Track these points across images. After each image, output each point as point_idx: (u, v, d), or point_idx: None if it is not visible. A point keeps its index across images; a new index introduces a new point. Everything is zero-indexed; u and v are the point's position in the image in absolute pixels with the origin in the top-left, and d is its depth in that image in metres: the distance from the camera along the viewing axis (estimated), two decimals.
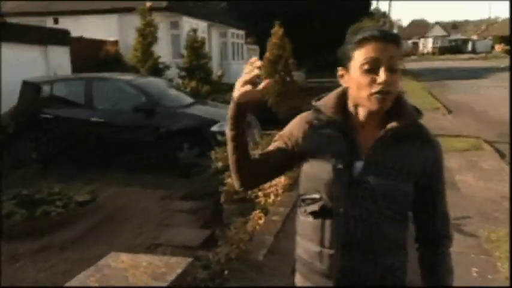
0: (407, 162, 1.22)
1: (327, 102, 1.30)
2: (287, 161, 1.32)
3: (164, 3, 13.42)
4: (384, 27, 44.96)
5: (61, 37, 9.43)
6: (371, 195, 1.20)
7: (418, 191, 1.25)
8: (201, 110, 6.62)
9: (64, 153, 6.23)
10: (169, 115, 6.21)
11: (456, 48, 67.43)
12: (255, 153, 1.33)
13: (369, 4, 32.08)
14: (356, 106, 1.26)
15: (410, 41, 74.59)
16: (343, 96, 1.30)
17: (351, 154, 1.22)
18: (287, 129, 1.35)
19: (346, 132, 1.24)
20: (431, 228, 1.31)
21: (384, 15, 45.63)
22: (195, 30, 11.13)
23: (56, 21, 14.53)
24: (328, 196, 1.23)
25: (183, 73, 10.60)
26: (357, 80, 1.19)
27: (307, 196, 1.28)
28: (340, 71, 1.27)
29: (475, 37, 71.40)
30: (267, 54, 10.18)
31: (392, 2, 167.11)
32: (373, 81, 1.16)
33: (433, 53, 66.18)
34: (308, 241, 1.29)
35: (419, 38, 72.80)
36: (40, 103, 6.59)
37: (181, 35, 14.39)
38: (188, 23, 14.73)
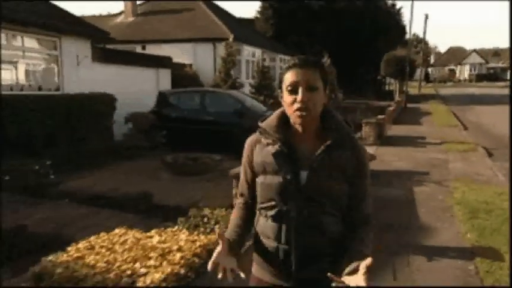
0: (342, 166, 1.46)
1: (270, 123, 1.52)
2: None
3: (231, 35, 16.88)
4: (419, 52, 46.31)
5: (167, 62, 12.97)
6: (316, 198, 1.44)
7: (350, 187, 1.48)
8: None
9: (184, 140, 9.35)
10: (253, 116, 9.24)
11: (494, 76, 67.08)
12: (245, 198, 1.62)
13: (404, 35, 34.86)
14: (294, 122, 1.48)
15: (447, 68, 75.21)
16: (284, 116, 1.52)
17: (296, 165, 1.45)
18: (244, 158, 1.60)
19: (289, 146, 1.46)
20: (361, 213, 1.52)
21: (421, 42, 47.93)
22: (264, 59, 14.40)
23: (143, 48, 18.24)
24: (282, 203, 1.46)
25: (253, 90, 13.90)
26: (285, 99, 1.45)
27: (266, 204, 1.51)
28: (280, 92, 1.50)
29: None
30: None
31: (431, 29, 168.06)
32: (294, 100, 1.41)
33: (470, 80, 66.66)
34: (267, 238, 1.52)
35: (456, 65, 73.46)
36: (170, 106, 9.88)
37: (242, 59, 17.80)
38: (247, 50, 18.16)
